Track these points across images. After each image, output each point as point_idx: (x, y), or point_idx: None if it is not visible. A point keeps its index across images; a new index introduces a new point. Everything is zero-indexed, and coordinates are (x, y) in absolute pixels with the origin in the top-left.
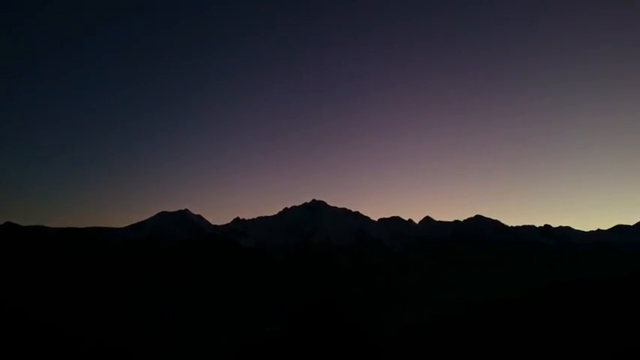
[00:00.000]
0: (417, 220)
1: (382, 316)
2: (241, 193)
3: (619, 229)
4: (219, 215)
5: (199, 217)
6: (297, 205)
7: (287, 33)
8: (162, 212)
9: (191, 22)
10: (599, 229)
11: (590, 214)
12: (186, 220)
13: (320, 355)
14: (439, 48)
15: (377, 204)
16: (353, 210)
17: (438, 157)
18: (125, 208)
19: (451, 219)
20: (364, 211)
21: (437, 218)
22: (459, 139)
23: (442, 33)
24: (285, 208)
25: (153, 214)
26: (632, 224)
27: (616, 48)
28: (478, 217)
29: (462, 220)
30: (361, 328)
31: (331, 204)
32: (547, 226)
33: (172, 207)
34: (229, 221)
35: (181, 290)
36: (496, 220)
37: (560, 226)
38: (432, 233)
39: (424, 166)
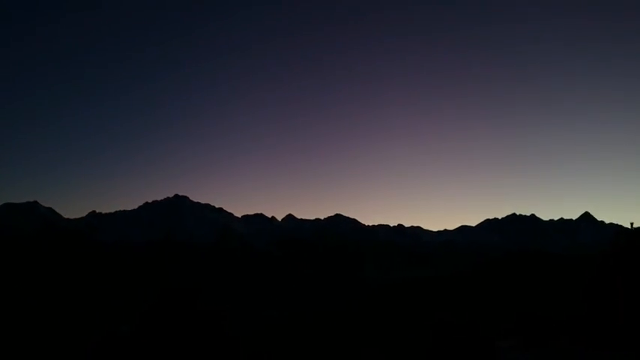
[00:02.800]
0: (279, 218)
1: (244, 313)
2: (98, 186)
3: (462, 229)
4: (73, 209)
5: (50, 209)
6: (158, 199)
7: None
8: (7, 203)
9: None
10: (445, 229)
11: (437, 214)
12: (35, 212)
13: (176, 354)
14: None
15: (241, 200)
16: (217, 206)
17: (300, 156)
18: None
19: (312, 217)
20: (228, 207)
21: (299, 216)
22: (319, 140)
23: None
24: (146, 203)
25: None
26: (473, 225)
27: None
28: (338, 216)
29: (322, 218)
30: (221, 325)
31: (194, 199)
32: (400, 226)
33: (20, 199)
34: (84, 215)
35: (29, 287)
36: (354, 219)
37: (412, 226)
38: (294, 230)
39: (288, 165)
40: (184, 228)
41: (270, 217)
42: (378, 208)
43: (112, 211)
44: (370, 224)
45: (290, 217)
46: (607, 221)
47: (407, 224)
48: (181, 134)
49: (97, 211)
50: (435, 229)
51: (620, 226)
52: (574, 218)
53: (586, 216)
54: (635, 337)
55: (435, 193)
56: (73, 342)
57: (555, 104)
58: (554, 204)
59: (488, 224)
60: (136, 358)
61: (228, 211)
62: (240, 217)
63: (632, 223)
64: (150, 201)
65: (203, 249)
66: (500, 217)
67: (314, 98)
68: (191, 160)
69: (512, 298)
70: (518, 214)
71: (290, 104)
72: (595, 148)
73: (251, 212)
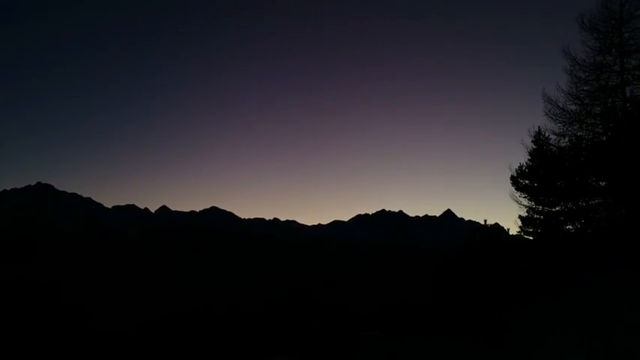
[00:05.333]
0: (153, 209)
1: (115, 312)
2: None
3: (335, 224)
4: None
5: None
6: (18, 187)
7: None
8: None
9: None
10: (319, 224)
11: (311, 209)
12: None
13: (41, 353)
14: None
15: (112, 191)
16: (84, 195)
17: (174, 146)
18: None
19: (187, 209)
20: (97, 198)
21: (173, 208)
22: (195, 131)
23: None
24: (4, 190)
25: None
26: (346, 220)
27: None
28: (214, 209)
29: (198, 210)
30: (90, 324)
31: (60, 188)
32: (275, 219)
33: None
34: None
35: None
36: (230, 212)
37: (287, 220)
38: (168, 222)
39: (162, 155)
40: (47, 218)
41: (142, 208)
42: (253, 202)
43: None
44: (246, 217)
45: (164, 208)
46: (466, 218)
47: (282, 218)
48: (47, 119)
49: None
50: (309, 223)
51: (477, 222)
52: (437, 215)
53: (448, 213)
54: (481, 327)
55: (309, 188)
56: None
57: (416, 108)
58: (420, 201)
59: (360, 219)
60: None
61: (98, 201)
62: (110, 207)
63: (485, 220)
64: (8, 189)
65: (67, 240)
66: (370, 213)
67: (190, 89)
68: (59, 148)
69: (380, 291)
70: (387, 210)
71: (166, 94)
72: (457, 150)
73: (123, 203)
